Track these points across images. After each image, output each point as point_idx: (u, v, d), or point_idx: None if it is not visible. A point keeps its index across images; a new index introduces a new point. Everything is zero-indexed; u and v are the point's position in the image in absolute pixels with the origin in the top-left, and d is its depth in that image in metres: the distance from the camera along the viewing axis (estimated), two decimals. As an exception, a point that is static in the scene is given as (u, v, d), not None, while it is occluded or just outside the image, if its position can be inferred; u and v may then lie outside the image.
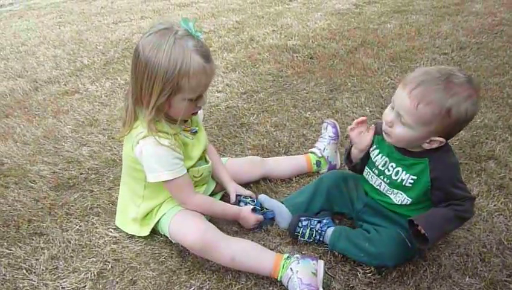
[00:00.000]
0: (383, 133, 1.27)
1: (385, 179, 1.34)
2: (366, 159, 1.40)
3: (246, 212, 1.46)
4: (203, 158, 1.50)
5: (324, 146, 1.77)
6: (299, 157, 1.79)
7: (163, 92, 1.22)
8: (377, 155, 1.36)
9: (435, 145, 1.18)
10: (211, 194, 1.57)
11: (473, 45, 2.99)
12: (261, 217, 1.48)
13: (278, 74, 2.71)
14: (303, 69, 2.74)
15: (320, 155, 1.75)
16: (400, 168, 1.29)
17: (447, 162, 1.22)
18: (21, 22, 4.35)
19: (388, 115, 1.21)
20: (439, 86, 1.10)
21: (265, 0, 4.53)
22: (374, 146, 1.38)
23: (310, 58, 2.93)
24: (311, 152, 1.78)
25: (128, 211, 1.49)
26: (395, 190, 1.32)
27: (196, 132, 1.43)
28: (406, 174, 1.27)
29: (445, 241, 1.42)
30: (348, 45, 3.10)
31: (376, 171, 1.37)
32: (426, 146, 1.20)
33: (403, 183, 1.28)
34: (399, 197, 1.32)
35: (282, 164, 1.75)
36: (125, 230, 1.50)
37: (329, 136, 1.78)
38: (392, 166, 1.31)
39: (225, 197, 1.61)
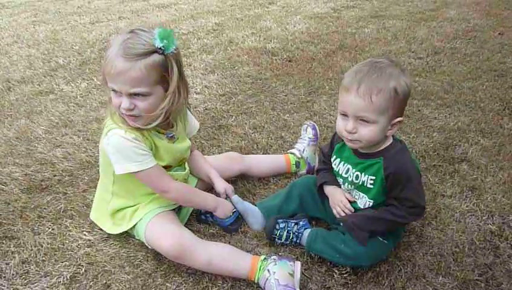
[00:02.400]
0: (349, 143, 1.28)
1: (350, 186, 1.37)
2: (331, 169, 1.43)
3: (223, 199, 1.49)
4: (182, 165, 1.49)
5: (303, 147, 1.78)
6: (278, 156, 1.80)
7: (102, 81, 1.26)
8: (339, 164, 1.39)
9: (395, 128, 1.24)
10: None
11: (447, 50, 3.07)
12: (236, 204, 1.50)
13: (256, 76, 2.71)
14: (282, 72, 2.76)
15: (299, 156, 1.76)
16: (358, 172, 1.32)
17: (401, 161, 1.26)
18: (-6, 20, 4.22)
19: (346, 124, 1.23)
20: (375, 74, 1.17)
21: (245, 3, 4.54)
22: (334, 156, 1.41)
23: (289, 61, 2.95)
24: (291, 153, 1.78)
25: (101, 206, 1.47)
26: (360, 193, 1.35)
27: (172, 136, 1.40)
28: (365, 175, 1.31)
29: (419, 241, 1.45)
30: (326, 49, 3.13)
31: (341, 180, 1.39)
32: (390, 133, 1.25)
33: (365, 185, 1.31)
34: (363, 201, 1.35)
35: (261, 162, 1.75)
36: (96, 224, 1.48)
37: (309, 138, 1.80)
38: (352, 171, 1.34)
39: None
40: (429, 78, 2.63)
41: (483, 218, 1.53)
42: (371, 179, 1.29)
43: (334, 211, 1.39)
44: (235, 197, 1.53)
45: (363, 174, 1.31)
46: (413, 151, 1.91)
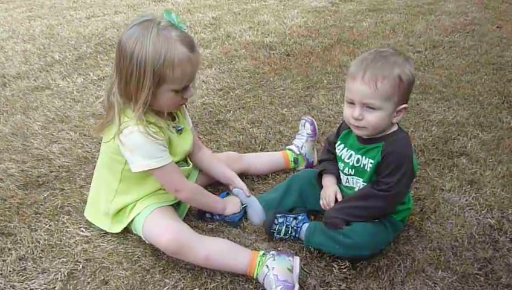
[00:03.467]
0: (356, 130, 1.31)
1: (350, 170, 1.38)
2: (334, 156, 1.44)
3: (231, 198, 1.50)
4: (185, 159, 1.48)
5: (302, 143, 1.77)
6: (276, 153, 1.79)
7: (150, 83, 1.20)
8: (342, 149, 1.41)
9: (401, 115, 1.28)
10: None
11: (445, 43, 3.05)
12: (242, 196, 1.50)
13: (254, 70, 2.70)
14: (279, 66, 2.74)
15: (298, 153, 1.75)
16: (359, 156, 1.35)
17: (399, 147, 1.28)
18: (-12, 15, 4.18)
19: (353, 111, 1.26)
20: (380, 62, 1.21)
21: (243, -3, 4.51)
22: (339, 142, 1.42)
23: (287, 55, 2.93)
24: (289, 149, 1.77)
25: (100, 204, 1.44)
26: (358, 179, 1.36)
27: (181, 130, 1.41)
28: (365, 158, 1.33)
29: (418, 235, 1.44)
30: (324, 43, 3.12)
31: (342, 164, 1.40)
32: (395, 119, 1.28)
33: (365, 168, 1.33)
34: (358, 187, 1.37)
35: (259, 160, 1.74)
36: (94, 223, 1.46)
37: (307, 134, 1.78)
38: (354, 156, 1.36)
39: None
40: (428, 72, 2.62)
41: (483, 212, 1.53)
42: (370, 163, 1.31)
43: (320, 201, 1.44)
44: (236, 190, 1.52)
45: (364, 157, 1.33)
46: (413, 145, 1.89)
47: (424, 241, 1.42)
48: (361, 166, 1.34)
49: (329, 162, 1.47)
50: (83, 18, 3.94)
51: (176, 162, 1.39)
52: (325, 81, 2.52)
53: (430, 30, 3.32)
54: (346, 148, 1.39)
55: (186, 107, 1.51)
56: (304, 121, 1.82)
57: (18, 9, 4.35)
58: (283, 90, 2.44)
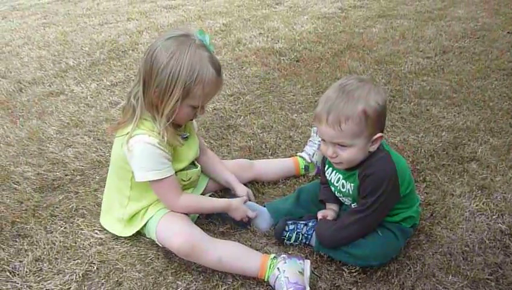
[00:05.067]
0: (334, 165, 1.33)
1: (340, 194, 1.39)
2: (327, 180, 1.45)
3: (236, 204, 1.46)
4: (193, 163, 1.50)
5: (313, 151, 1.77)
6: (287, 160, 1.80)
7: (178, 97, 1.24)
8: (331, 173, 1.41)
9: (377, 143, 1.25)
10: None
11: (455, 49, 3.05)
12: (250, 211, 1.48)
13: (264, 76, 2.72)
14: (289, 72, 2.77)
15: (309, 161, 1.76)
16: (344, 181, 1.35)
17: (374, 168, 1.25)
18: (5, 23, 4.29)
19: (327, 150, 1.26)
20: (343, 101, 1.18)
21: (252, 3, 4.55)
22: (327, 166, 1.43)
23: (297, 61, 2.95)
24: (300, 156, 1.78)
25: (113, 211, 1.48)
26: (349, 200, 1.37)
27: (187, 137, 1.44)
28: (348, 183, 1.34)
29: (428, 240, 1.44)
30: (334, 48, 3.14)
31: (333, 188, 1.41)
32: (372, 148, 1.25)
33: (349, 192, 1.34)
34: (353, 205, 1.37)
35: (270, 168, 1.76)
36: (108, 229, 1.49)
37: (319, 141, 1.79)
38: (341, 180, 1.37)
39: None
40: (438, 78, 2.62)
41: (493, 217, 1.53)
42: (352, 186, 1.32)
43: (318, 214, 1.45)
44: (249, 204, 1.53)
45: (347, 182, 1.34)
46: (422, 150, 1.90)
47: (435, 246, 1.42)
48: (347, 191, 1.35)
49: (327, 187, 1.46)
50: (96, 25, 4.02)
51: (183, 167, 1.42)
52: (334, 86, 2.54)
53: (440, 36, 3.32)
54: (334, 172, 1.39)
55: None
56: (316, 128, 1.83)
57: (33, 17, 4.45)
58: (293, 95, 2.46)
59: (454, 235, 1.46)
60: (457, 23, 3.60)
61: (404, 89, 2.48)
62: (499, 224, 1.50)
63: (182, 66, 1.22)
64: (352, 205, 1.37)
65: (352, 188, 1.33)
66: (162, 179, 1.31)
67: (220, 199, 1.53)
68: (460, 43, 3.16)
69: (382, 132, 1.25)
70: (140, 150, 1.28)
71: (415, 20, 3.74)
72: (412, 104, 2.30)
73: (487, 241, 1.43)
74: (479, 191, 1.65)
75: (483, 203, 1.59)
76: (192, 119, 1.41)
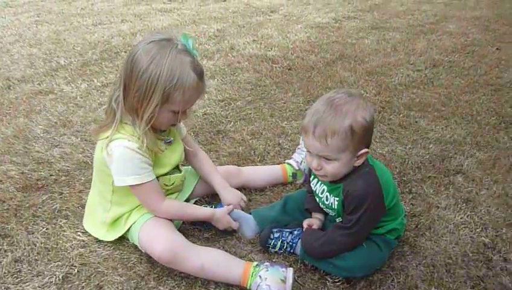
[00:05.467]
0: (318, 177, 1.33)
1: (324, 206, 1.39)
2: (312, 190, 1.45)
3: (219, 214, 1.44)
4: (177, 167, 1.49)
5: (301, 159, 1.77)
6: (275, 167, 1.80)
7: (157, 102, 1.22)
8: (316, 184, 1.41)
9: (363, 158, 1.25)
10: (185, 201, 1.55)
11: (445, 63, 3.09)
12: (233, 222, 1.47)
13: (256, 83, 2.73)
14: (281, 80, 2.78)
15: (297, 168, 1.76)
16: (328, 193, 1.35)
17: (358, 184, 1.25)
18: (-4, 19, 4.24)
19: (312, 162, 1.26)
20: (330, 115, 1.18)
21: (247, 10, 4.57)
22: (312, 176, 1.43)
23: (289, 69, 2.97)
24: (288, 163, 1.78)
25: (96, 214, 1.46)
26: (333, 213, 1.37)
27: (170, 142, 1.42)
28: (332, 197, 1.34)
29: (412, 252, 1.45)
30: (326, 58, 3.16)
31: (318, 199, 1.41)
32: (357, 163, 1.25)
33: (333, 206, 1.34)
34: (338, 220, 1.37)
35: (258, 174, 1.75)
36: (91, 233, 1.47)
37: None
38: (325, 192, 1.36)
39: (197, 204, 1.60)
40: (427, 90, 2.65)
41: (477, 230, 1.54)
42: (336, 200, 1.32)
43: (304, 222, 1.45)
44: (234, 212, 1.51)
45: (331, 195, 1.34)
46: (409, 162, 1.92)
47: (418, 258, 1.43)
48: (330, 204, 1.35)
49: (312, 196, 1.46)
50: (90, 25, 4.00)
51: (166, 172, 1.41)
52: (325, 95, 2.55)
53: (431, 49, 3.37)
54: (319, 183, 1.39)
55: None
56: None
57: (26, 14, 4.42)
58: (284, 103, 2.47)
59: (438, 247, 1.47)
60: (448, 38, 3.65)
61: (394, 100, 2.50)
62: (482, 237, 1.51)
63: (161, 70, 1.20)
64: (337, 219, 1.37)
65: (336, 202, 1.32)
66: (142, 183, 1.29)
67: (203, 207, 1.51)
68: (451, 57, 3.20)
69: (368, 147, 1.25)
70: (119, 154, 1.26)
71: (407, 33, 3.79)
72: (401, 115, 2.32)
73: (470, 254, 1.44)
74: (464, 204, 1.67)
75: (467, 216, 1.60)
76: (174, 125, 1.39)
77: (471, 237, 1.52)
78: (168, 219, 1.40)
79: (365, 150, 1.23)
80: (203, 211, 1.46)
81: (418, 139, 2.11)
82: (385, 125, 2.22)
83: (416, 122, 2.27)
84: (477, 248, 1.46)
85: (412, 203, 1.67)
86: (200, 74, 1.28)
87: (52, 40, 3.56)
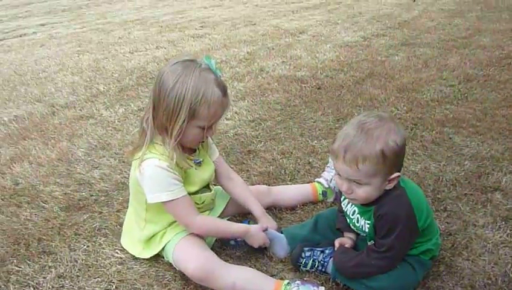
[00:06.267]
0: (348, 199, 1.32)
1: (355, 228, 1.38)
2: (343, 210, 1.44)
3: (254, 231, 1.45)
4: (207, 186, 1.54)
5: (331, 177, 1.77)
6: (305, 186, 1.81)
7: (184, 117, 1.29)
8: (347, 205, 1.40)
9: (394, 182, 1.23)
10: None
11: (480, 77, 3.03)
12: (267, 239, 1.48)
13: (286, 103, 2.77)
14: (311, 99, 2.80)
15: (327, 186, 1.77)
16: (359, 215, 1.34)
17: (391, 207, 1.23)
18: (42, 50, 4.55)
19: (342, 185, 1.25)
20: (361, 140, 1.16)
21: (276, 33, 4.67)
22: (343, 196, 1.41)
23: (318, 88, 2.99)
24: (318, 182, 1.79)
25: (133, 232, 1.52)
26: (365, 236, 1.36)
27: (200, 162, 1.47)
28: (362, 219, 1.32)
29: (449, 272, 1.41)
30: (356, 76, 3.17)
31: (348, 220, 1.40)
32: (388, 187, 1.23)
33: (364, 229, 1.33)
34: (369, 243, 1.35)
35: (288, 194, 1.77)
36: (128, 250, 1.53)
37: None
38: (356, 214, 1.35)
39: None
40: (461, 106, 2.59)
41: (518, 250, 1.48)
42: (367, 223, 1.31)
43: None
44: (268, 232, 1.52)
45: (362, 218, 1.33)
46: (444, 179, 1.88)
47: (455, 278, 1.38)
48: (361, 226, 1.34)
49: (344, 215, 1.45)
50: (127, 53, 4.21)
51: (197, 190, 1.45)
52: (355, 114, 2.55)
53: (464, 64, 3.31)
54: (350, 204, 1.38)
55: (212, 139, 1.58)
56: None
57: (68, 45, 4.71)
58: (313, 122, 2.49)
59: (476, 267, 1.42)
60: (482, 52, 3.58)
61: (426, 117, 2.47)
62: (524, 257, 1.45)
63: (187, 87, 1.27)
64: (369, 242, 1.36)
65: (367, 225, 1.31)
66: (175, 199, 1.34)
67: (238, 223, 1.54)
68: (485, 71, 3.13)
69: (399, 171, 1.23)
70: (150, 172, 1.32)
71: (439, 48, 3.75)
72: (434, 132, 2.29)
73: (510, 275, 1.38)
74: (503, 222, 1.61)
75: (507, 235, 1.54)
76: (203, 141, 1.45)
77: (511, 256, 1.46)
78: (201, 237, 1.44)
79: (397, 174, 1.22)
80: (237, 227, 1.48)
81: (452, 155, 2.07)
82: (417, 142, 2.19)
83: (450, 138, 2.22)
84: (518, 268, 1.41)
85: (447, 222, 1.63)
86: (223, 90, 1.34)
87: (92, 68, 3.77)
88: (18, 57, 4.28)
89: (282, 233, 1.54)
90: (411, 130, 2.31)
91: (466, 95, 2.75)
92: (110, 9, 7.26)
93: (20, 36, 5.35)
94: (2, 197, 1.92)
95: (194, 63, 1.33)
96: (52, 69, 3.82)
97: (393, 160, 1.18)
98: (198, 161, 1.47)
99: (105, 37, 5.01)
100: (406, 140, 1.30)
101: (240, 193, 1.60)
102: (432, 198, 1.76)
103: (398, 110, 2.58)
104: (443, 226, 1.60)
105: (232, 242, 1.54)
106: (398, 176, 1.23)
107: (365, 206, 1.30)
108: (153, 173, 1.32)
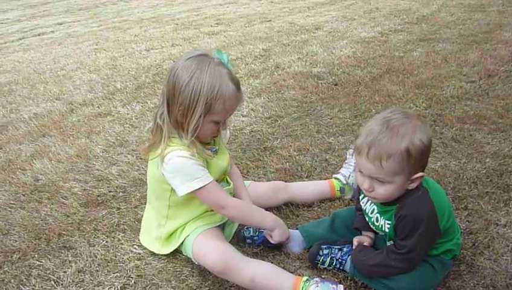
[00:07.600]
0: (368, 197, 1.29)
1: (374, 227, 1.36)
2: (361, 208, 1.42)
3: (282, 222, 1.45)
4: (224, 179, 1.54)
5: (349, 173, 1.76)
6: (322, 182, 1.80)
7: (200, 112, 1.29)
8: (366, 203, 1.38)
9: (417, 182, 1.20)
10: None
11: (501, 73, 2.95)
12: (289, 236, 1.47)
13: (302, 99, 2.75)
14: (327, 95, 2.78)
15: (344, 182, 1.75)
16: (378, 215, 1.32)
17: (413, 208, 1.21)
18: (60, 49, 4.62)
19: (363, 182, 1.22)
20: (386, 137, 1.13)
21: (292, 29, 4.65)
22: (362, 194, 1.39)
23: (335, 84, 2.97)
24: (336, 178, 1.78)
25: (151, 230, 1.53)
26: (384, 236, 1.34)
27: (216, 151, 1.48)
28: (382, 219, 1.30)
29: (470, 271, 1.38)
30: (373, 72, 3.12)
31: (366, 218, 1.38)
32: (410, 186, 1.21)
33: (383, 229, 1.31)
34: (388, 243, 1.34)
35: (305, 190, 1.76)
36: (147, 247, 1.54)
37: (355, 163, 1.78)
38: (375, 213, 1.33)
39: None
40: (482, 102, 2.54)
41: (542, 249, 1.44)
42: (388, 224, 1.28)
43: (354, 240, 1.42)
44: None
45: (381, 217, 1.30)
46: (464, 177, 1.84)
47: (476, 278, 1.36)
48: (380, 226, 1.32)
49: (362, 214, 1.43)
50: (143, 50, 4.24)
51: (216, 179, 1.44)
52: (373, 110, 2.52)
53: (485, 59, 3.23)
54: (369, 202, 1.36)
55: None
56: (352, 150, 1.83)
57: (86, 43, 4.77)
58: (330, 119, 2.47)
59: (498, 266, 1.39)
60: (504, 47, 3.49)
61: (446, 113, 2.42)
62: (549, 257, 1.41)
63: (202, 83, 1.27)
64: (388, 242, 1.34)
65: (387, 225, 1.29)
66: (206, 185, 1.33)
67: (270, 214, 1.49)
68: (507, 66, 3.05)
69: (423, 171, 1.20)
70: (176, 165, 1.32)
71: (459, 43, 3.67)
72: (454, 129, 2.24)
73: (535, 275, 1.35)
74: (526, 221, 1.57)
75: (530, 234, 1.51)
76: (216, 136, 1.45)
77: (535, 256, 1.42)
78: (220, 231, 1.45)
79: (420, 173, 1.19)
80: (268, 213, 1.46)
81: (473, 153, 2.02)
82: (437, 139, 2.15)
83: (470, 135, 2.18)
84: (543, 268, 1.37)
85: (468, 221, 1.60)
86: (237, 84, 1.34)
87: (110, 65, 3.81)
88: (37, 56, 4.35)
89: (296, 229, 1.53)
90: (430, 127, 2.27)
91: (487, 91, 2.69)
92: (126, 7, 7.33)
93: (39, 35, 5.44)
94: (23, 193, 1.96)
95: (207, 57, 1.33)
96: (70, 67, 3.88)
97: (418, 159, 1.15)
98: (214, 150, 1.47)
99: (121, 35, 5.06)
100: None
101: (234, 180, 1.57)
102: (453, 196, 1.73)
103: (417, 106, 2.54)
104: (464, 225, 1.57)
105: (248, 240, 1.54)
106: (422, 176, 1.19)
107: (385, 205, 1.28)
108: (179, 164, 1.32)
